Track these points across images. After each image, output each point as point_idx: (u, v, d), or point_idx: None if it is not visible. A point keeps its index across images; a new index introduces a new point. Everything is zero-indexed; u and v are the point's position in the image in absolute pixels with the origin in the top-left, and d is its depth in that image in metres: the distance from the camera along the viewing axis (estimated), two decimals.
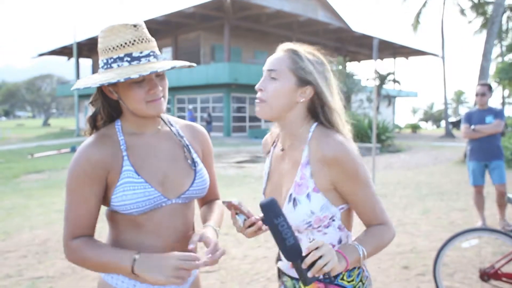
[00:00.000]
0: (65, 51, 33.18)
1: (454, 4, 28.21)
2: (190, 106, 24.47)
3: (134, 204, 1.22)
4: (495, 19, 12.19)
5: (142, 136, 1.32)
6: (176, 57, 24.83)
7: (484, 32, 24.78)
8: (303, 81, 1.27)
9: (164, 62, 1.23)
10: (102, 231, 1.73)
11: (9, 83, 74.43)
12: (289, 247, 1.07)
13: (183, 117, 25.48)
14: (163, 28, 25.06)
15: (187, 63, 1.24)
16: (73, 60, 31.27)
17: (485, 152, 4.91)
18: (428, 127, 58.18)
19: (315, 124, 1.32)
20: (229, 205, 1.26)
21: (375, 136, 10.64)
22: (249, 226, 1.29)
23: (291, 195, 1.28)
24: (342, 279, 1.31)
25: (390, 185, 8.12)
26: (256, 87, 1.32)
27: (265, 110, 1.30)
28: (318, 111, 1.31)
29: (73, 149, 15.67)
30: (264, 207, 1.08)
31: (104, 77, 1.18)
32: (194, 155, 1.38)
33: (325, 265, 1.06)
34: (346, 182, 1.24)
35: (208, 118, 22.40)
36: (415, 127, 32.01)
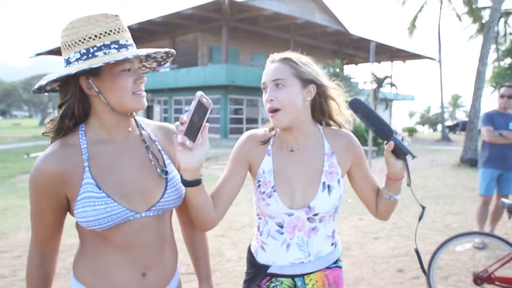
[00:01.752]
0: None
1: (450, 9, 28.33)
2: (187, 108, 24.47)
3: (95, 221, 1.10)
4: (491, 24, 12.24)
5: (109, 143, 1.19)
6: (173, 58, 24.82)
7: (480, 37, 24.94)
8: (306, 81, 1.38)
9: (153, 48, 1.19)
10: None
11: (5, 82, 74.09)
12: (387, 124, 1.29)
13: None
14: (161, 29, 25.08)
15: (167, 50, 1.23)
16: None
17: (505, 160, 4.49)
18: (424, 131, 58.38)
19: (317, 123, 1.48)
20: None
21: (371, 139, 10.71)
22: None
23: (324, 183, 1.38)
24: (340, 261, 1.51)
25: None
26: (267, 98, 1.35)
27: (281, 118, 1.34)
28: (323, 106, 1.44)
29: None
30: (356, 102, 1.30)
31: (93, 61, 1.07)
32: (167, 161, 1.26)
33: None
34: (360, 159, 1.47)
35: None
36: (411, 131, 32.10)
